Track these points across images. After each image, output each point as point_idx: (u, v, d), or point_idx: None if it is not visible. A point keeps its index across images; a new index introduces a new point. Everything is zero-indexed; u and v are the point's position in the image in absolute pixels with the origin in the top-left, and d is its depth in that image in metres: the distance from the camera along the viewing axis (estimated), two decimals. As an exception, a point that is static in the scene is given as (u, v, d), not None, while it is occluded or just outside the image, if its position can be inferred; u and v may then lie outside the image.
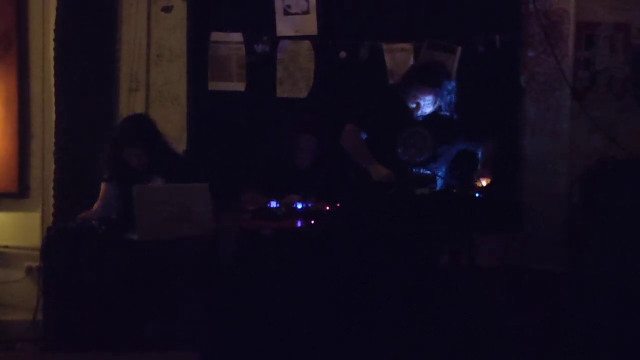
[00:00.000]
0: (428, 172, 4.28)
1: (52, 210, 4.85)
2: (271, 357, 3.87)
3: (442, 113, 4.36)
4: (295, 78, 4.91)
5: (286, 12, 4.87)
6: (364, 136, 4.44)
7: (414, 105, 4.27)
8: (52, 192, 4.85)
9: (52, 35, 4.85)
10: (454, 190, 4.11)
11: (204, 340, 3.71)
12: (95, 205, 4.27)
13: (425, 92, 4.25)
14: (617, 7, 4.82)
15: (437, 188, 4.26)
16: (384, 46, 4.87)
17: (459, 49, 4.83)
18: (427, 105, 4.28)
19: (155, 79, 4.97)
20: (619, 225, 4.39)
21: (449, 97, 4.33)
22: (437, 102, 4.30)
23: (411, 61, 4.82)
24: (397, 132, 4.36)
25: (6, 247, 4.95)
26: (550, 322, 4.23)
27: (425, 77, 4.29)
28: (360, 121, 4.45)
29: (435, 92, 4.26)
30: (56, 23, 4.83)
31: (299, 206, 4.14)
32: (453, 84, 4.42)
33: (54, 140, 4.86)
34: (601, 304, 4.22)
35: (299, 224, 4.02)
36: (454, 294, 4.03)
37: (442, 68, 4.50)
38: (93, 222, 3.90)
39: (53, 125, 4.86)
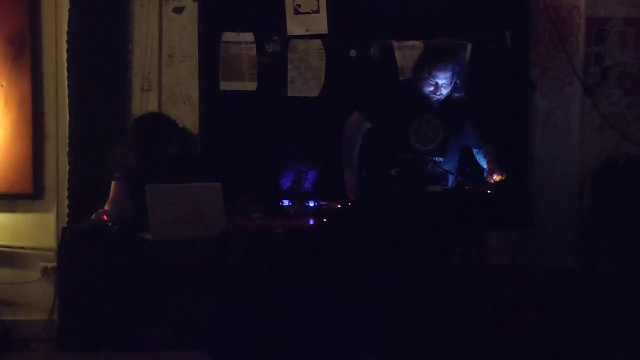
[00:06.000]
0: (440, 169, 4.27)
1: (66, 210, 4.88)
2: (282, 357, 3.89)
3: (456, 95, 4.33)
4: (306, 77, 4.91)
5: (296, 12, 4.88)
6: (369, 125, 4.44)
7: (432, 88, 4.25)
8: (66, 192, 4.88)
9: (65, 37, 4.87)
10: (466, 187, 4.09)
11: (215, 340, 3.74)
12: (107, 205, 4.28)
13: (444, 69, 4.23)
14: (627, 3, 4.81)
15: (449, 185, 4.26)
16: (395, 44, 4.87)
17: (470, 46, 4.82)
18: (445, 85, 4.25)
19: (167, 79, 4.98)
20: (630, 223, 4.38)
21: (462, 74, 4.33)
22: (454, 79, 4.27)
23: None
24: (408, 123, 4.35)
25: (22, 247, 4.98)
26: (559, 321, 4.22)
27: (441, 54, 4.34)
28: (368, 109, 4.45)
29: (453, 66, 4.25)
30: (69, 25, 4.85)
31: (311, 204, 4.16)
32: (466, 57, 4.49)
33: (67, 141, 4.89)
34: (611, 302, 4.20)
35: (311, 222, 4.04)
36: (464, 292, 4.03)
37: (453, 44, 4.57)
38: (108, 223, 3.95)
39: (67, 127, 4.89)
